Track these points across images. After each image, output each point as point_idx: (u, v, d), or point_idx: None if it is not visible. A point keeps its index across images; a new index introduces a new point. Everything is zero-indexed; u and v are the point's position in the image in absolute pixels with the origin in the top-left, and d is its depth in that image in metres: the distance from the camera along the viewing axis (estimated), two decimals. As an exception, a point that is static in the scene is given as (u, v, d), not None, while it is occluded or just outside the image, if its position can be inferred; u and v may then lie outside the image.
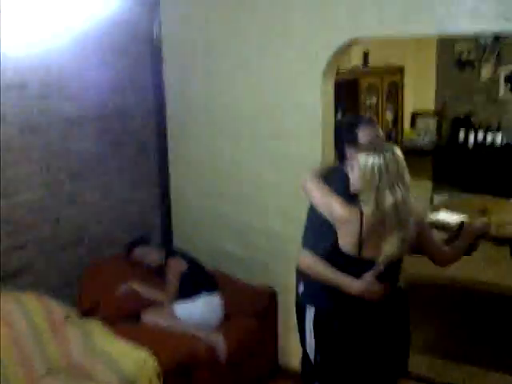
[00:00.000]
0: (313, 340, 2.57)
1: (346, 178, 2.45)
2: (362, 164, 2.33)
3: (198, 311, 3.61)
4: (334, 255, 2.46)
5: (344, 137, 2.65)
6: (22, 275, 3.54)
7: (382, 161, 2.31)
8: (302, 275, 2.69)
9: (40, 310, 3.23)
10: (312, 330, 2.56)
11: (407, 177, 2.38)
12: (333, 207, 2.43)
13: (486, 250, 5.33)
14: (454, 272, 5.32)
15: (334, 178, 2.59)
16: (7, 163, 3.42)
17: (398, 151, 2.39)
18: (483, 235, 2.67)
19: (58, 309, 3.32)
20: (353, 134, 2.60)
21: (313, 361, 2.58)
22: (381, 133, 2.67)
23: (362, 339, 2.52)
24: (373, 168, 2.30)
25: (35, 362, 3.10)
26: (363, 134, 2.58)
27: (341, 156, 2.66)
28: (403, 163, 2.37)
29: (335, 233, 2.44)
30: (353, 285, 2.44)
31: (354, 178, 2.38)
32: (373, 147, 2.40)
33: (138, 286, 3.69)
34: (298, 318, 2.73)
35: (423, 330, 4.36)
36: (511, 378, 3.67)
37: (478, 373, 3.77)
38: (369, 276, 2.42)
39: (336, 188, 2.48)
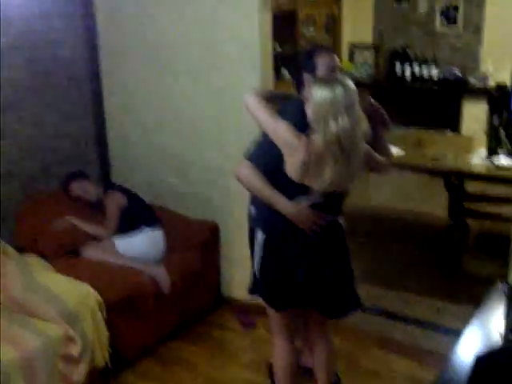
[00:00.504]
0: (259, 258, 2.61)
1: (303, 109, 2.44)
2: (314, 96, 2.35)
3: (140, 245, 3.58)
4: (276, 176, 2.48)
5: (302, 66, 2.62)
6: (-48, 211, 3.39)
7: (331, 93, 2.34)
8: (253, 199, 2.75)
9: (-25, 246, 3.13)
10: (260, 250, 2.60)
11: (358, 110, 2.38)
12: (280, 132, 2.42)
13: (422, 182, 5.53)
14: (391, 203, 5.50)
15: (291, 109, 2.57)
16: None
17: (350, 83, 2.40)
18: (372, 106, 2.68)
19: (-6, 245, 3.22)
20: (311, 63, 2.57)
21: (257, 275, 2.64)
22: (338, 62, 2.65)
23: (298, 265, 2.56)
24: (323, 99, 2.33)
25: (-28, 298, 3.02)
26: (321, 62, 2.56)
27: (299, 85, 2.63)
28: (353, 96, 2.38)
29: (281, 155, 2.44)
30: (286, 206, 2.46)
31: (309, 109, 2.39)
32: (325, 80, 2.41)
33: (75, 221, 3.61)
34: (249, 238, 2.80)
35: (361, 260, 4.48)
36: (444, 303, 3.84)
37: (413, 299, 3.91)
38: (303, 201, 2.45)
39: (293, 118, 2.46)
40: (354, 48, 6.66)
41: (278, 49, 5.19)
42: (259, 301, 2.72)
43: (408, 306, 3.85)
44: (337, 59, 2.64)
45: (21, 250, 3.42)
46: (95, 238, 3.59)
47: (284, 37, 5.31)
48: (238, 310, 3.76)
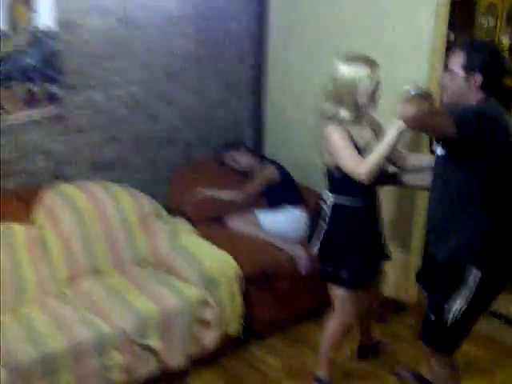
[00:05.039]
0: (464, 306, 2.38)
1: None
2: None
3: (283, 223, 3.61)
4: None
5: None
6: (115, 168, 3.62)
7: None
8: (471, 240, 2.37)
9: (131, 203, 3.32)
10: (472, 294, 2.36)
11: None
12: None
13: None
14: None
15: None
16: (107, 54, 3.44)
17: None
18: None
19: (148, 204, 3.40)
20: None
21: (451, 321, 2.42)
22: (454, 61, 2.35)
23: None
24: None
25: (124, 252, 3.23)
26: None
27: None
28: None
29: None
30: None
31: None
32: None
33: (209, 191, 3.63)
34: (448, 278, 2.44)
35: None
36: None
37: None
38: None
39: None
40: (534, 43, 6.14)
41: (452, 37, 4.91)
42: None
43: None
44: (455, 59, 2.34)
45: (171, 212, 3.58)
46: (237, 207, 3.64)
47: (460, 26, 5.00)
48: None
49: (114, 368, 2.70)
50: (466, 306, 2.37)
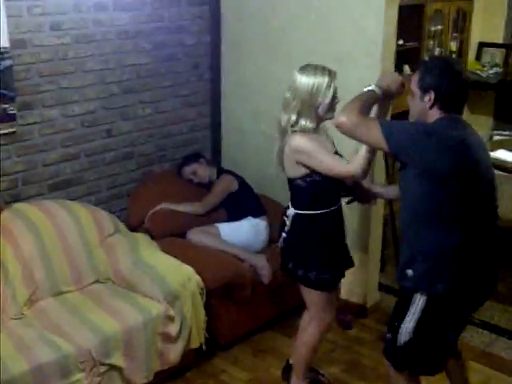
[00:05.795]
0: (412, 325, 2.36)
1: None
2: None
3: (244, 234, 3.64)
4: None
5: None
6: (73, 185, 3.59)
7: None
8: (415, 257, 2.35)
9: (90, 220, 3.30)
10: (419, 315, 2.34)
11: None
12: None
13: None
14: None
15: None
16: (62, 72, 3.41)
17: None
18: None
19: (108, 220, 3.39)
20: None
21: (402, 343, 2.40)
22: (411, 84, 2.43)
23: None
24: None
25: (84, 270, 3.21)
26: None
27: None
28: None
29: None
30: None
31: None
32: None
33: (169, 205, 3.65)
34: (398, 307, 2.46)
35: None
36: None
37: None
38: None
39: None
40: (482, 46, 6.32)
41: (401, 42, 5.03)
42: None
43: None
44: (414, 78, 2.40)
45: (132, 228, 3.58)
46: (197, 219, 3.65)
47: (409, 31, 5.12)
48: (338, 308, 3.71)
49: (78, 389, 2.69)
50: (415, 325, 2.34)
